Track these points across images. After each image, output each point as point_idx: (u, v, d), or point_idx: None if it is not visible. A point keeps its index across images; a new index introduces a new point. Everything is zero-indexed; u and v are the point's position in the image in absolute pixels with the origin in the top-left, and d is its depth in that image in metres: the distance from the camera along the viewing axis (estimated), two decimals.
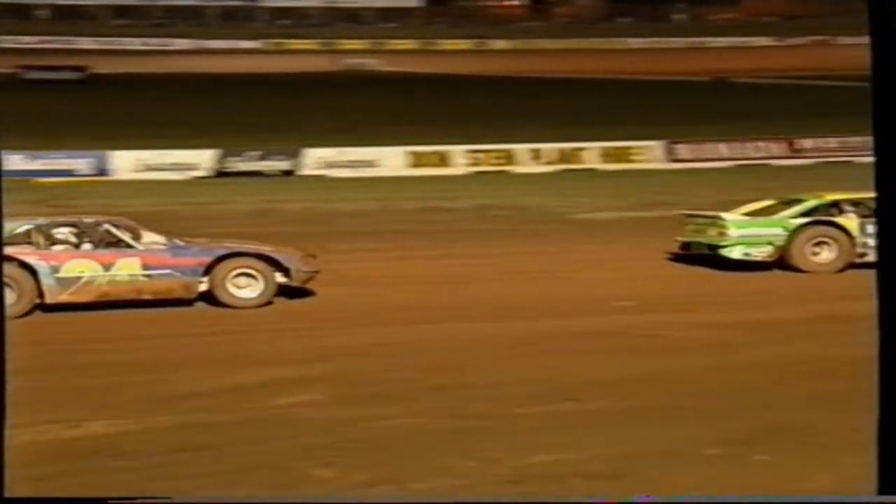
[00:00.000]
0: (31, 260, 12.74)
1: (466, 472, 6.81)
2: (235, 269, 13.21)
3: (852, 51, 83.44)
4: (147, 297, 13.06)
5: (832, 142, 33.15)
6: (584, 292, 13.64)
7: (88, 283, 12.91)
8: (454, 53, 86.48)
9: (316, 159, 30.86)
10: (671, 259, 16.16)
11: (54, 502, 5.74)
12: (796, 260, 15.50)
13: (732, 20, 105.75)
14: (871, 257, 15.35)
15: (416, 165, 31.26)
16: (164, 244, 13.32)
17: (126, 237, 13.30)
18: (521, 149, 32.09)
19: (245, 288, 13.21)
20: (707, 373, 9.38)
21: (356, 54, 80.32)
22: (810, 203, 16.11)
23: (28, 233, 13.05)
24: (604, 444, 7.21)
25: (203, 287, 13.16)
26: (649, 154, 32.49)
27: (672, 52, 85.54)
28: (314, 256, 13.69)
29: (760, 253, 15.56)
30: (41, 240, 13.06)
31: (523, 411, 8.23)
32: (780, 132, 34.29)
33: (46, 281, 12.75)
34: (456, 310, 12.82)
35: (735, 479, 6.47)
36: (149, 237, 13.39)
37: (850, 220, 15.78)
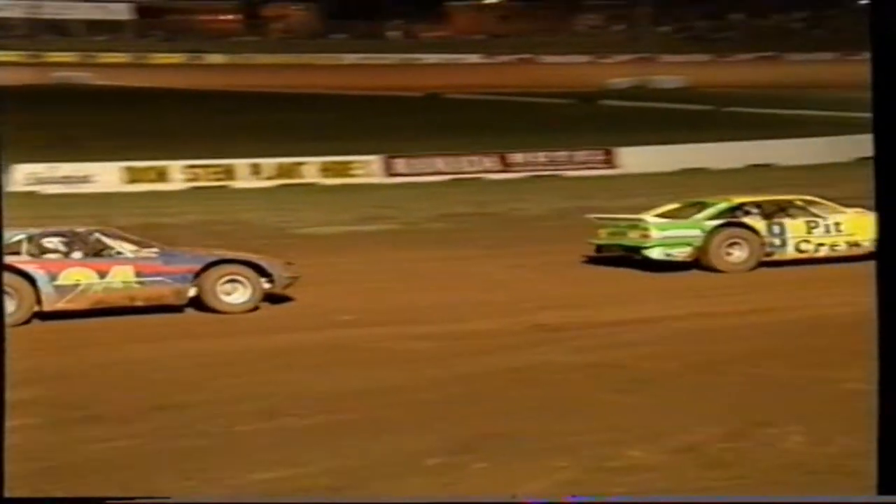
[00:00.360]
0: (29, 269, 13.04)
1: (185, 491, 6.64)
2: (224, 275, 13.63)
3: (556, 69, 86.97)
4: (140, 303, 13.45)
5: (541, 156, 34.35)
6: (306, 307, 13.56)
7: (85, 290, 13.26)
8: (168, 67, 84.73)
9: (26, 175, 29.58)
10: (395, 271, 16.33)
11: (53, 502, 5.87)
12: (713, 260, 16.20)
13: (444, 37, 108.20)
14: (778, 256, 16.55)
15: (132, 181, 30.52)
16: (156, 252, 13.75)
17: (117, 245, 13.72)
18: (240, 164, 31.78)
19: (232, 294, 13.64)
20: (428, 384, 9.49)
21: (65, 67, 77.47)
22: (722, 206, 16.84)
23: (19, 242, 13.27)
24: (325, 458, 7.18)
25: (192, 293, 13.56)
26: (368, 168, 32.80)
27: (386, 68, 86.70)
28: (292, 263, 14.12)
29: (681, 253, 16.23)
30: (33, 249, 13.36)
31: (244, 429, 8.11)
32: (493, 147, 35.26)
33: (45, 289, 13.06)
34: (179, 327, 12.51)
35: (455, 487, 6.55)
36: (139, 245, 13.88)
37: (758, 222, 16.59)
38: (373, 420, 8.29)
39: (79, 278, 13.27)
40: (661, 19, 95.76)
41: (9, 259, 12.84)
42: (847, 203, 17.31)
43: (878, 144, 4.37)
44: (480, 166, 33.76)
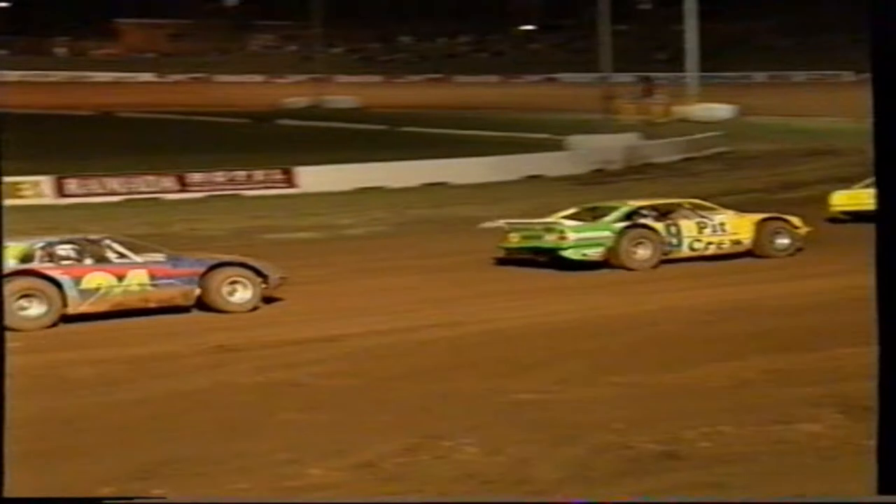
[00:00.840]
0: (55, 274, 13.78)
1: None
2: (228, 277, 14.57)
3: (230, 89, 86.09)
4: (153, 305, 14.29)
5: (219, 176, 33.93)
6: None
7: (105, 294, 14.06)
8: None
9: None
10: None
11: (52, 502, 5.94)
12: (622, 259, 17.58)
13: (113, 55, 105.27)
14: (674, 254, 17.93)
15: None
16: (164, 257, 14.74)
17: (127, 252, 14.52)
18: None
19: (234, 294, 14.56)
20: (106, 409, 9.17)
21: None
22: (625, 209, 18.29)
23: (33, 249, 14.04)
24: None
25: (196, 294, 14.44)
26: (38, 189, 31.45)
27: (54, 86, 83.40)
28: (280, 268, 15.08)
29: (595, 253, 17.55)
30: (47, 256, 14.06)
31: None
32: (170, 166, 34.51)
33: (70, 293, 13.81)
34: None
35: None
36: (146, 251, 14.87)
37: (658, 223, 18.04)
38: (48, 449, 7.92)
39: (100, 282, 14.11)
40: (334, 41, 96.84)
41: (30, 265, 13.80)
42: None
43: (879, 145, 4.36)
44: (158, 186, 33.04)
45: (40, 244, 14.20)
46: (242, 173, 34.23)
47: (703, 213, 18.68)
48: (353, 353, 11.38)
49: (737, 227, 18.55)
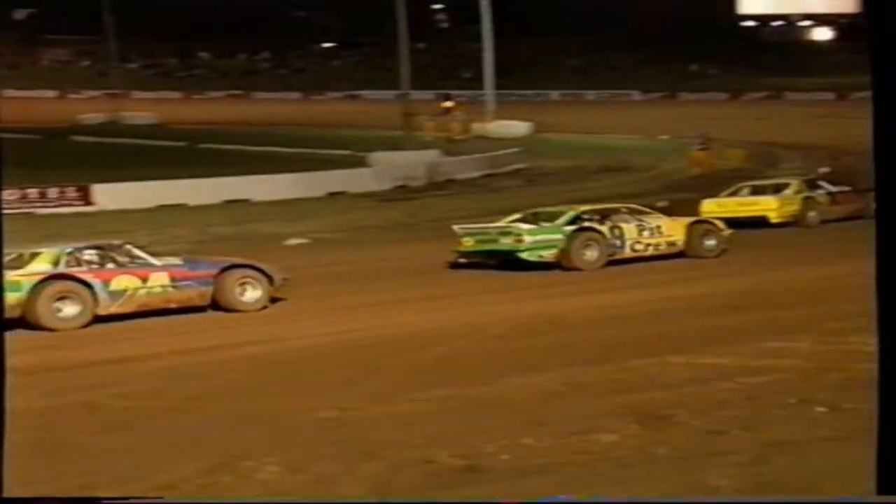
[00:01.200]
0: (87, 277, 14.65)
1: None
2: (240, 278, 15.50)
3: (21, 104, 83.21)
4: (173, 305, 15.20)
5: (11, 194, 32.60)
6: None
7: (132, 295, 14.92)
8: None
9: None
10: None
11: (51, 502, 6.00)
12: (574, 260, 18.61)
13: None
14: (619, 255, 18.92)
15: None
16: (181, 260, 15.90)
17: (147, 256, 15.49)
18: None
19: (244, 294, 15.47)
20: None
21: None
22: (572, 213, 19.36)
23: (61, 255, 14.84)
24: None
25: (211, 294, 15.36)
26: None
27: None
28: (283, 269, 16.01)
29: (549, 255, 18.55)
30: (75, 261, 14.86)
31: None
32: None
33: (101, 295, 14.66)
34: None
35: None
36: (163, 255, 16.09)
37: (603, 226, 19.11)
38: None
39: (127, 285, 14.97)
40: (130, 56, 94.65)
41: (62, 269, 14.63)
42: None
43: (879, 145, 4.32)
44: None
45: (68, 249, 15.09)
46: (35, 191, 33.10)
47: (640, 216, 19.79)
48: (155, 373, 11.15)
49: (671, 229, 19.68)
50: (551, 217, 19.36)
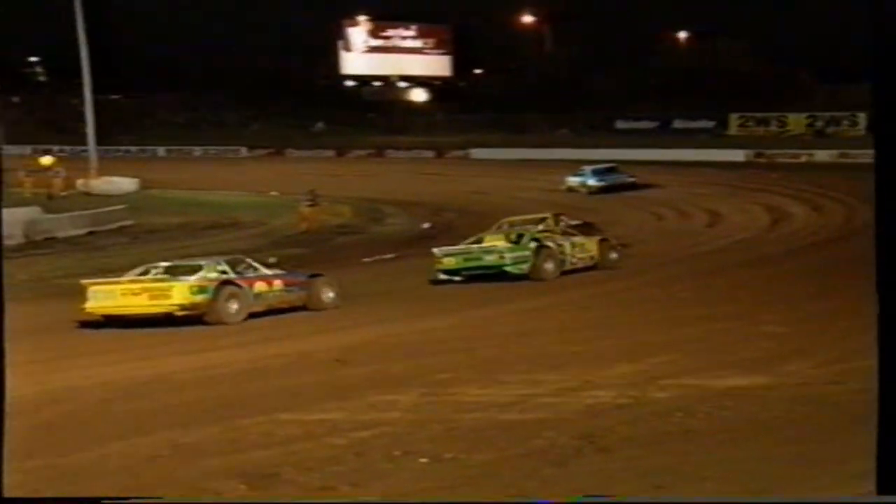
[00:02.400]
0: (243, 284, 19.04)
1: None
2: (323, 284, 19.91)
3: None
4: (285, 306, 19.35)
5: None
6: None
7: (265, 298, 19.27)
8: None
9: None
10: None
11: (51, 502, 6.78)
12: (540, 272, 22.85)
13: None
14: (571, 266, 23.49)
15: None
16: (283, 270, 20.21)
17: (261, 267, 19.70)
18: None
19: (327, 296, 19.84)
20: None
21: None
22: (532, 233, 24.15)
23: (223, 265, 19.42)
24: None
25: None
26: None
27: None
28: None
29: (526, 268, 22.76)
30: (233, 270, 19.24)
31: None
32: None
33: (250, 297, 19.04)
34: None
35: None
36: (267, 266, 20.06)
37: (563, 241, 23.91)
38: None
39: (262, 289, 19.20)
40: None
41: (220, 277, 18.83)
42: None
43: (879, 145, 4.39)
44: None
45: (223, 260, 19.78)
46: None
47: (571, 236, 24.53)
48: None
49: (589, 246, 24.30)
50: (521, 236, 23.69)
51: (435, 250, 23.81)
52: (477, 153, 69.20)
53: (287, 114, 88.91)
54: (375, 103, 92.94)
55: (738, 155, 62.12)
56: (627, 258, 25.77)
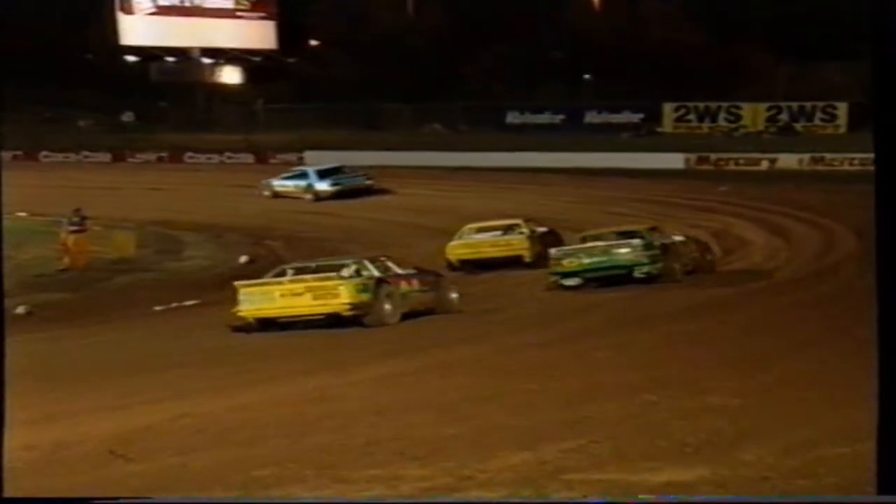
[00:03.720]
0: (391, 282, 26.04)
1: None
2: (448, 284, 28.58)
3: None
4: (421, 308, 26.56)
5: None
6: None
7: (409, 297, 26.39)
8: None
9: None
10: None
11: (50, 502, 9.64)
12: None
13: None
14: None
15: None
16: (412, 270, 27.92)
17: (395, 267, 27.13)
18: None
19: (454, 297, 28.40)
20: None
21: None
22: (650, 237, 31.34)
23: (375, 265, 26.73)
24: None
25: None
26: None
27: None
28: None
29: (657, 269, 30.10)
30: (383, 268, 26.66)
31: None
32: None
33: (399, 298, 26.24)
34: None
35: None
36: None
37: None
38: None
39: (406, 290, 26.38)
40: None
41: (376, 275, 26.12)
42: None
43: (879, 145, 5.68)
44: None
45: (371, 259, 27.29)
46: None
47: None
48: None
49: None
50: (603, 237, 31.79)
51: (552, 251, 31.18)
52: (313, 157, 69.21)
53: (42, 103, 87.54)
54: (168, 87, 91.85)
55: (674, 160, 63.33)
56: (518, 303, 25.94)
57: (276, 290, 25.01)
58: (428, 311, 26.43)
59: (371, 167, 62.67)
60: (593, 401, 16.02)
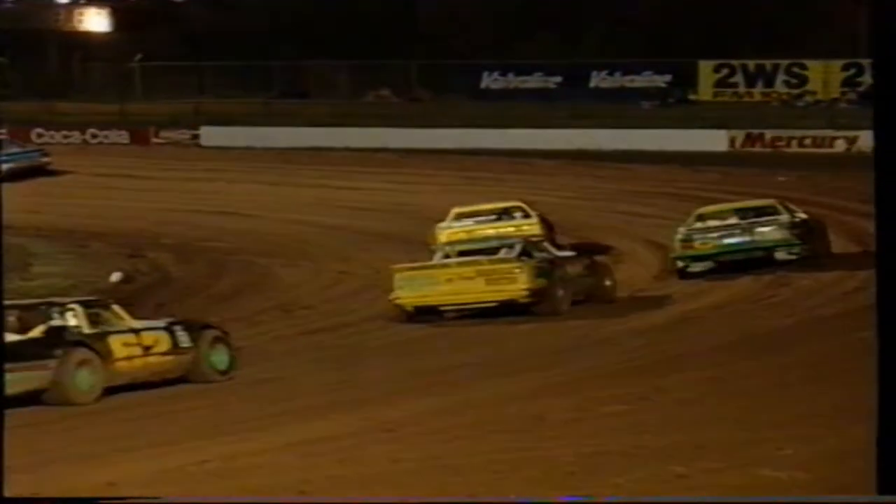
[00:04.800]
0: (560, 264, 33.60)
1: None
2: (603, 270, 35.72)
3: None
4: (580, 297, 32.01)
5: None
6: None
7: (577, 284, 31.68)
8: None
9: None
10: None
11: (50, 502, 12.05)
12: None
13: None
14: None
15: None
16: (571, 252, 34.65)
17: (551, 247, 34.84)
18: None
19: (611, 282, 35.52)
20: None
21: None
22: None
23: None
24: None
25: None
26: None
27: None
28: None
29: (798, 251, 35.28)
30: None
31: None
32: None
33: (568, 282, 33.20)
34: None
35: None
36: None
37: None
38: None
39: (573, 272, 32.17)
40: None
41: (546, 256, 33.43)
42: None
43: (879, 144, 7.08)
44: None
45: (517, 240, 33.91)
46: None
47: None
48: None
49: None
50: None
51: (680, 230, 35.38)
52: (214, 134, 68.95)
53: None
54: (7, 38, 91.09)
55: (714, 139, 63.37)
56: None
57: (441, 275, 30.14)
58: (586, 300, 31.48)
59: (293, 149, 62.46)
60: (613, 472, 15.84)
